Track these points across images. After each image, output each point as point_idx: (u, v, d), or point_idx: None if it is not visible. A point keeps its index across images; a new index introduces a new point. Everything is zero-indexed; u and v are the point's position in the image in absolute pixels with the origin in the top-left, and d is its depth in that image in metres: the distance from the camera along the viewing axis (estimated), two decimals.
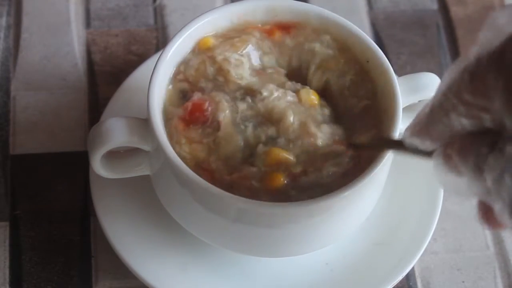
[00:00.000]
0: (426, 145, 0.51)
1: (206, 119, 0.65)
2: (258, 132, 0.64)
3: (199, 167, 0.63)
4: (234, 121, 0.64)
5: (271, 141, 0.64)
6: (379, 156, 0.62)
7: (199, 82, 0.67)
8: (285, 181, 0.63)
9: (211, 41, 0.68)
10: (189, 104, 0.65)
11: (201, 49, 0.68)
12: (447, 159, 0.48)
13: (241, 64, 0.67)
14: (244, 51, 0.68)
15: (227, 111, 0.64)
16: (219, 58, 0.67)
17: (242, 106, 0.65)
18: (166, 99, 0.66)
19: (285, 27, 0.69)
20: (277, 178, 0.63)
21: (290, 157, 0.63)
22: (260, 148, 0.63)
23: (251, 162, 0.63)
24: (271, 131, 0.64)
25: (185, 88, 0.67)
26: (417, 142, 0.51)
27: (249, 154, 0.64)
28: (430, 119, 0.49)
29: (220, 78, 0.67)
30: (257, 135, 0.64)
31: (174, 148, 0.63)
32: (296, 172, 0.63)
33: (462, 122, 0.46)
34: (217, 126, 0.64)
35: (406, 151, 0.54)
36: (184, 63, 0.68)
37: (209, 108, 0.65)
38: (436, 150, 0.50)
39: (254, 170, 0.63)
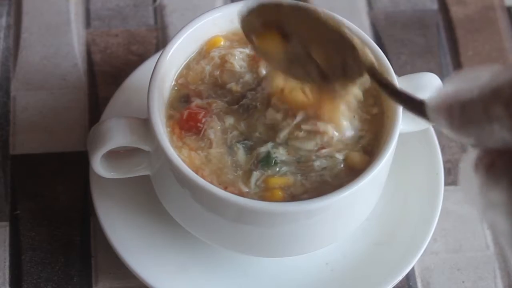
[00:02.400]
0: (457, 134, 0.44)
1: (199, 131, 0.64)
2: (251, 155, 0.63)
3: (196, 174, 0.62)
4: (225, 141, 0.64)
5: (267, 164, 0.63)
6: (379, 156, 0.62)
7: (198, 85, 0.66)
8: (285, 196, 0.62)
9: (221, 41, 0.68)
10: (185, 112, 0.64)
11: (210, 49, 0.68)
12: (488, 168, 0.43)
13: (245, 57, 0.67)
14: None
15: (219, 128, 0.64)
16: (221, 53, 0.67)
17: (229, 120, 0.64)
18: (167, 100, 0.66)
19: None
20: (276, 194, 0.62)
21: (290, 181, 0.63)
22: (255, 175, 0.63)
23: (247, 178, 0.63)
24: (267, 150, 0.63)
25: (186, 93, 0.66)
26: (442, 121, 0.44)
27: (244, 173, 0.63)
28: (467, 117, 0.43)
29: (216, 72, 0.66)
30: (250, 159, 0.63)
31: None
32: (296, 193, 0.62)
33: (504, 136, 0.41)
34: (209, 143, 0.64)
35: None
36: (187, 66, 0.67)
37: (203, 120, 0.64)
38: (475, 153, 0.44)
39: (248, 190, 0.62)
